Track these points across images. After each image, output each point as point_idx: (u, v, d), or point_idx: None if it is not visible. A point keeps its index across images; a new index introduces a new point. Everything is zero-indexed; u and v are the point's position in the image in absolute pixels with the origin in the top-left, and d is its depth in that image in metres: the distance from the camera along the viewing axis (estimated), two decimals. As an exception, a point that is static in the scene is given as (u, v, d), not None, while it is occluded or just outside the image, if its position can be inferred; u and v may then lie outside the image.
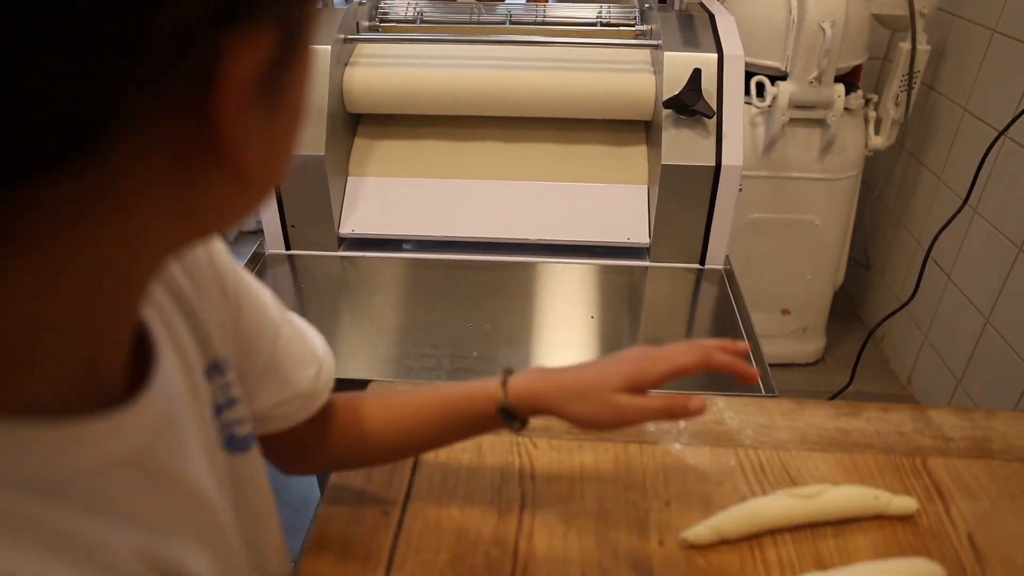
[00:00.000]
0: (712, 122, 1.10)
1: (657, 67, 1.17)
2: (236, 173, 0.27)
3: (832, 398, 1.75)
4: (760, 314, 2.06)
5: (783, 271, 1.99)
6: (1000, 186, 1.71)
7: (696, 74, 1.07)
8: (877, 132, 1.92)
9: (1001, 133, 1.61)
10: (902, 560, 0.57)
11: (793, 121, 1.80)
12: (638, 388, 0.54)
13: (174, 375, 0.36)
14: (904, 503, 0.62)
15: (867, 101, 1.92)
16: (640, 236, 1.17)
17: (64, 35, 0.20)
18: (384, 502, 0.63)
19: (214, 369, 0.43)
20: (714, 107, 1.10)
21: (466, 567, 0.57)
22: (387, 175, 1.24)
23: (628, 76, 1.18)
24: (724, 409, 0.73)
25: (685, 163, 1.09)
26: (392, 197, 1.22)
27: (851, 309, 2.40)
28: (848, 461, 0.67)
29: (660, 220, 1.14)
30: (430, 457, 0.67)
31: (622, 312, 1.07)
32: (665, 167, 1.10)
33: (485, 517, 0.61)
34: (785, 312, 2.06)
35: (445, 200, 1.21)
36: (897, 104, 1.88)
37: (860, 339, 2.15)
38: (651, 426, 0.70)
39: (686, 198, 1.12)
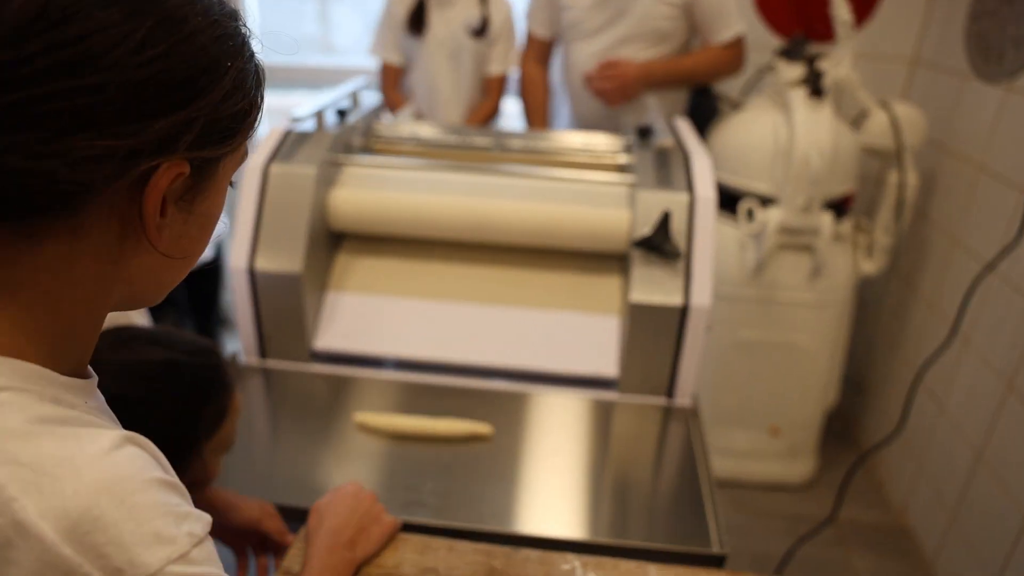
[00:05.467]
0: (683, 261, 1.12)
1: (633, 202, 1.20)
2: (158, 251, 0.44)
3: (816, 531, 1.70)
4: (748, 432, 2.04)
5: (771, 391, 1.97)
6: (990, 321, 1.70)
7: (665, 217, 1.10)
8: (869, 258, 1.94)
9: (984, 270, 1.61)
10: None
11: (783, 245, 1.82)
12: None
13: None
14: None
15: (859, 227, 1.94)
16: (609, 368, 1.18)
17: (65, 144, 0.38)
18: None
19: None
20: (685, 246, 1.12)
21: None
22: (365, 292, 1.26)
23: (604, 211, 1.21)
24: (655, 580, 0.71)
25: (653, 302, 1.11)
26: (368, 315, 1.24)
27: (846, 431, 2.36)
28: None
29: (629, 354, 1.15)
30: (347, 618, 0.66)
31: (583, 447, 1.06)
32: (634, 305, 1.11)
33: None
34: (774, 432, 2.03)
35: (418, 321, 1.23)
36: (887, 232, 1.90)
37: (855, 463, 2.10)
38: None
39: (654, 334, 1.13)
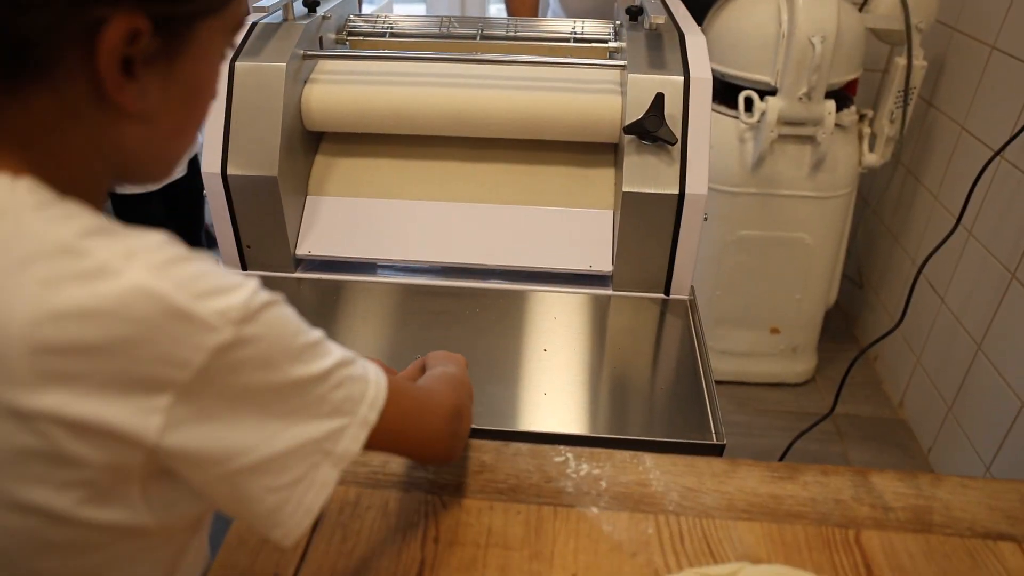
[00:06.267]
0: (677, 148, 1.06)
1: (624, 88, 1.13)
2: (137, 119, 0.43)
3: (815, 424, 1.70)
4: (748, 332, 2.02)
5: (772, 289, 1.94)
6: (995, 209, 1.65)
7: (659, 99, 1.03)
8: (872, 149, 1.87)
9: (996, 154, 1.55)
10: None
11: (783, 137, 1.75)
12: None
13: None
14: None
15: (862, 117, 1.86)
16: (603, 264, 1.13)
17: None
18: (278, 563, 0.60)
19: None
20: (679, 132, 1.05)
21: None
22: (347, 195, 1.21)
23: (594, 97, 1.14)
24: (651, 468, 0.69)
25: (647, 190, 1.05)
26: (351, 218, 1.19)
27: (846, 328, 2.35)
28: (776, 532, 0.63)
29: (623, 248, 1.10)
30: (332, 515, 0.64)
31: (578, 344, 1.03)
32: (626, 194, 1.06)
33: (382, 584, 0.58)
34: (774, 331, 2.01)
35: (405, 222, 1.18)
36: (892, 120, 1.83)
37: (854, 358, 2.09)
38: (570, 487, 0.66)
39: (649, 226, 1.08)
